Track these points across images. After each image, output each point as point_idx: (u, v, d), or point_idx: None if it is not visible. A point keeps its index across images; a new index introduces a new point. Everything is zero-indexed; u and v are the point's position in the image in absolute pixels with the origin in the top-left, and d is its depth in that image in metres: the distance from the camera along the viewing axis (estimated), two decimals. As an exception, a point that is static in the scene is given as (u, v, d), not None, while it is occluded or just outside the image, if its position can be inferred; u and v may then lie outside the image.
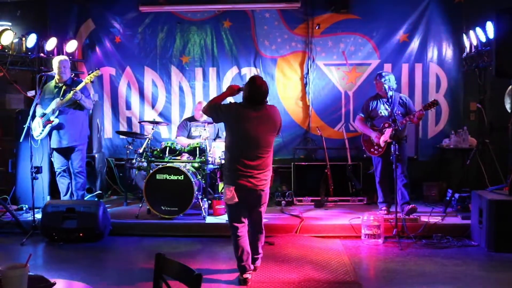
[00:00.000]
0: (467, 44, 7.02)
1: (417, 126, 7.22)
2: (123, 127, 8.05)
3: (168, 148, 6.48)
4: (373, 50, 7.64)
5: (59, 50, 7.48)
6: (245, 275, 4.32)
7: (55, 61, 6.33)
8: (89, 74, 6.26)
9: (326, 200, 7.02)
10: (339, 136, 7.62)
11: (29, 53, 7.07)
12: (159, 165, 6.31)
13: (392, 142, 5.72)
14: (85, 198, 6.67)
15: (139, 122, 7.81)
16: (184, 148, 6.53)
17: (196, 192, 6.10)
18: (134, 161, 6.49)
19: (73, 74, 6.59)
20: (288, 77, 7.82)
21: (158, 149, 6.53)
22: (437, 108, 6.49)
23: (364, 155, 6.67)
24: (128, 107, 8.06)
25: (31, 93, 7.20)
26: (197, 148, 6.40)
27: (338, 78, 7.75)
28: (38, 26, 7.61)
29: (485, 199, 5.30)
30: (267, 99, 4.35)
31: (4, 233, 5.99)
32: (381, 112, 6.25)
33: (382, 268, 4.81)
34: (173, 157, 6.43)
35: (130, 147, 6.70)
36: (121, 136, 7.81)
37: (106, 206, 6.16)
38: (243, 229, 4.38)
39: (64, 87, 6.22)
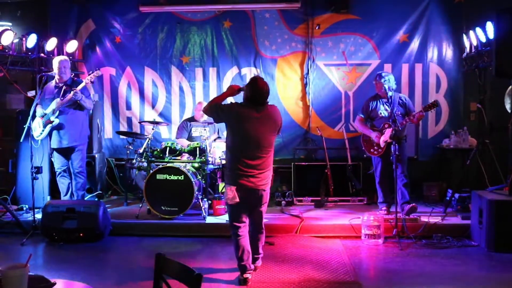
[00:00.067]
0: (467, 44, 7.02)
1: (417, 126, 7.22)
2: (123, 127, 8.05)
3: (168, 148, 6.48)
4: (373, 50, 7.64)
5: (59, 50, 7.48)
6: (245, 275, 4.32)
7: (55, 61, 6.33)
8: (89, 74, 6.27)
9: (326, 200, 7.02)
10: (339, 136, 7.62)
11: (30, 53, 7.08)
12: (159, 165, 6.31)
13: (392, 142, 5.73)
14: (85, 198, 6.68)
15: (139, 122, 7.81)
16: (184, 148, 6.53)
17: (196, 192, 6.10)
18: (134, 161, 6.50)
19: (73, 74, 6.60)
20: (288, 77, 7.83)
21: (158, 149, 6.53)
22: (437, 108, 6.49)
23: (364, 155, 6.67)
24: (128, 107, 8.07)
25: (31, 93, 7.20)
26: (197, 148, 6.40)
27: (338, 78, 7.75)
28: (39, 26, 7.61)
29: (485, 199, 5.30)
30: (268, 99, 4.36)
31: (4, 233, 6.00)
32: (381, 113, 6.25)
33: (382, 268, 4.82)
34: (173, 157, 6.43)
35: (130, 147, 6.70)
36: (121, 136, 7.81)
37: (106, 206, 6.16)
38: (244, 229, 4.39)
39: (64, 87, 6.22)
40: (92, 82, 6.51)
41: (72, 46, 7.63)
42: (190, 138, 7.15)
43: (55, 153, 6.44)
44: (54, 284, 2.21)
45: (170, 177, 6.06)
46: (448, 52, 7.56)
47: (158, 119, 7.79)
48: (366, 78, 7.65)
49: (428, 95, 7.59)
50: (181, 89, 8.00)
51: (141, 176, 7.24)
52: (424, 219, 5.90)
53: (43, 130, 6.21)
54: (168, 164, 6.18)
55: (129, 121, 8.08)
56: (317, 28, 7.65)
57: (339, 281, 4.36)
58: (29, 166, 5.90)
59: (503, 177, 5.97)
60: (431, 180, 7.31)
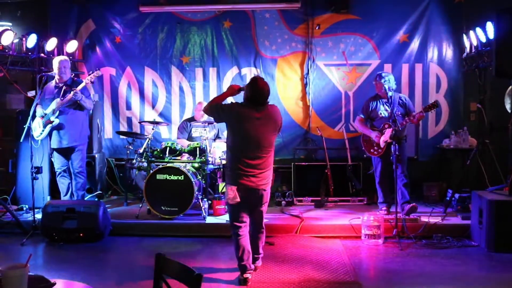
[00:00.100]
0: (467, 44, 7.02)
1: (417, 126, 7.22)
2: (123, 127, 8.05)
3: (168, 148, 6.48)
4: (373, 50, 7.64)
5: (60, 50, 7.48)
6: (246, 275, 4.33)
7: (55, 61, 6.33)
8: (89, 75, 6.27)
9: (326, 200, 7.02)
10: (339, 136, 7.62)
11: (30, 53, 7.08)
12: (159, 165, 6.31)
13: (392, 142, 5.73)
14: (85, 198, 6.68)
15: (139, 122, 7.81)
16: (184, 148, 6.53)
17: (196, 192, 6.10)
18: (134, 161, 6.49)
19: (73, 74, 6.60)
20: (288, 77, 7.83)
21: (158, 149, 6.53)
22: (437, 108, 6.49)
23: (364, 155, 6.67)
24: (128, 107, 8.07)
25: (31, 93, 7.20)
26: (197, 148, 6.40)
27: (338, 78, 7.75)
28: (39, 26, 7.61)
29: (485, 199, 5.30)
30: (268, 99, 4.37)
31: (4, 233, 6.00)
32: (381, 113, 6.24)
33: (382, 268, 4.81)
34: (173, 157, 6.43)
35: (130, 147, 6.70)
36: (121, 136, 7.81)
37: (106, 206, 6.16)
38: (245, 228, 4.39)
39: (64, 88, 6.22)
40: (92, 82, 6.51)
41: (72, 46, 7.63)
42: (190, 138, 7.15)
43: (55, 153, 6.44)
44: (54, 284, 2.21)
45: (170, 177, 6.06)
46: (448, 52, 7.56)
47: (158, 119, 7.79)
48: (366, 78, 7.65)
49: (428, 95, 7.59)
50: (181, 89, 8.00)
51: (141, 176, 7.24)
52: (424, 219, 5.89)
53: (43, 130, 6.21)
54: (168, 164, 6.18)
55: (129, 121, 8.08)
56: (317, 28, 7.66)
57: (339, 281, 4.36)
58: (29, 166, 5.90)
59: (503, 177, 5.97)
60: (431, 180, 7.31)
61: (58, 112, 6.18)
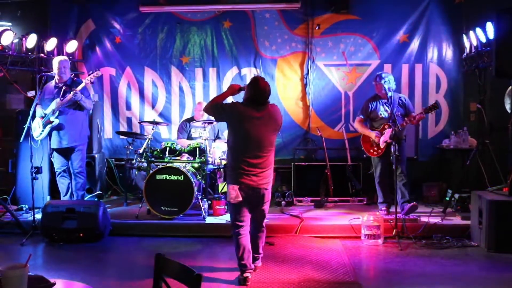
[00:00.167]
0: (467, 44, 7.02)
1: (417, 127, 7.22)
2: (123, 128, 8.05)
3: (168, 148, 6.48)
4: (373, 50, 7.64)
5: (59, 50, 7.48)
6: (245, 274, 4.33)
7: (55, 61, 6.33)
8: (89, 75, 6.27)
9: (326, 200, 7.02)
10: (339, 137, 7.62)
11: (29, 53, 7.08)
12: (159, 165, 6.31)
13: (392, 142, 5.73)
14: (85, 199, 6.68)
15: (139, 123, 7.81)
16: (184, 149, 6.53)
17: (196, 193, 6.10)
18: (134, 161, 6.49)
19: (73, 75, 6.60)
20: (288, 77, 7.83)
21: (158, 150, 6.53)
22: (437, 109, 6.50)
23: (364, 156, 6.67)
24: (128, 107, 8.07)
25: (31, 93, 7.20)
26: (197, 149, 6.40)
27: (338, 79, 7.75)
28: (39, 26, 7.61)
29: (485, 199, 5.30)
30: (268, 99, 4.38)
31: (4, 233, 6.00)
32: (381, 114, 6.24)
33: (382, 268, 4.81)
34: (173, 158, 6.43)
35: (130, 147, 6.70)
36: (121, 137, 7.81)
37: (106, 206, 6.16)
38: (246, 228, 4.40)
39: (64, 88, 6.22)
40: (92, 83, 6.51)
41: (72, 46, 7.63)
42: (189, 138, 7.15)
43: (55, 153, 6.44)
44: (54, 284, 2.21)
45: (170, 177, 6.06)
46: (448, 52, 7.56)
47: (158, 119, 7.78)
48: (366, 79, 7.65)
49: (428, 96, 7.60)
50: (181, 89, 8.00)
51: (141, 176, 7.24)
52: (424, 219, 5.90)
53: (42, 130, 6.21)
54: (168, 164, 6.18)
55: (129, 121, 8.09)
56: (317, 28, 7.66)
57: (338, 282, 4.36)
58: (29, 166, 5.90)
59: (503, 177, 5.97)
60: (431, 181, 7.31)
61: (58, 112, 6.18)
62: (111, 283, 4.43)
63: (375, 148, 6.26)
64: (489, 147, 6.24)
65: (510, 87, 6.07)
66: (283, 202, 7.01)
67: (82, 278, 4.30)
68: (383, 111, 6.23)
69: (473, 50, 6.83)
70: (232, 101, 4.77)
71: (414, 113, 6.24)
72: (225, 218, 6.15)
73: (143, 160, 6.41)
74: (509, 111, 6.05)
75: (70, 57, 7.23)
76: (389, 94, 6.02)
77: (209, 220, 6.15)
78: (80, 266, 4.89)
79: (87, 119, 6.65)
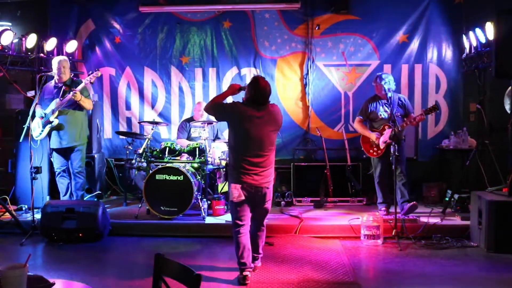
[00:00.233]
0: (466, 45, 7.02)
1: (416, 127, 7.22)
2: (123, 128, 8.05)
3: (167, 148, 6.48)
4: (372, 50, 7.65)
5: (59, 50, 7.48)
6: (245, 272, 4.34)
7: (55, 61, 6.33)
8: (89, 75, 6.27)
9: (325, 200, 7.02)
10: (339, 137, 7.62)
11: (29, 53, 7.07)
12: (158, 165, 6.31)
13: (392, 143, 5.73)
14: (85, 198, 6.67)
15: (139, 123, 7.81)
16: (184, 149, 6.53)
17: (196, 193, 6.10)
18: (133, 161, 6.49)
19: (73, 74, 6.59)
20: (287, 77, 7.83)
21: (157, 150, 6.53)
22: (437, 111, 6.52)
23: (364, 156, 6.67)
24: (128, 107, 8.07)
25: (31, 93, 7.20)
26: (197, 149, 6.40)
27: (337, 79, 7.76)
28: (38, 26, 7.61)
29: (485, 200, 5.30)
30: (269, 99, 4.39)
31: (3, 233, 5.99)
32: (380, 114, 6.24)
33: (381, 268, 4.81)
34: (172, 158, 6.43)
35: (129, 147, 6.70)
36: (120, 137, 7.81)
37: (106, 206, 6.15)
38: (246, 227, 4.42)
39: (63, 88, 6.22)
40: (91, 83, 6.52)
41: (71, 46, 7.63)
42: (189, 138, 7.15)
43: (54, 153, 6.43)
44: (53, 284, 2.21)
45: (169, 177, 6.06)
46: (448, 52, 7.57)
47: (158, 119, 7.78)
48: (366, 79, 7.65)
49: (427, 96, 7.60)
50: (180, 89, 8.00)
51: (141, 176, 7.24)
52: (424, 219, 5.90)
53: (42, 130, 6.20)
54: (168, 164, 6.18)
55: (128, 121, 8.08)
56: (317, 28, 7.66)
57: (338, 282, 4.36)
58: (28, 166, 5.90)
59: (503, 177, 5.97)
60: (431, 181, 7.31)
61: (57, 112, 6.18)
62: (111, 283, 4.42)
63: (374, 149, 6.26)
64: (488, 147, 6.24)
65: (509, 88, 6.08)
66: (282, 202, 7.01)
67: (81, 278, 4.30)
68: (382, 112, 6.23)
69: (472, 51, 6.83)
70: (233, 101, 4.78)
71: (413, 114, 6.25)
72: (225, 218, 6.15)
73: (142, 160, 6.41)
74: (508, 112, 6.06)
75: (70, 57, 7.23)
76: (389, 94, 6.02)
77: (209, 220, 6.15)
78: (80, 266, 4.88)
79: (86, 119, 6.65)
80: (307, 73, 7.74)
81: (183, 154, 6.51)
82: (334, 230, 5.89)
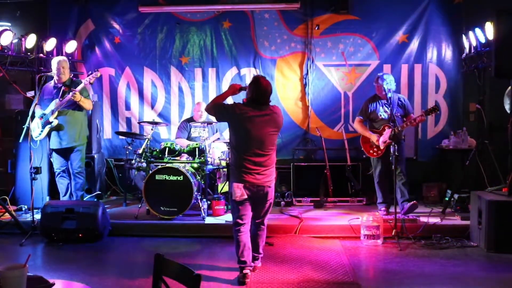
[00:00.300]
0: (466, 44, 7.02)
1: (416, 127, 7.21)
2: (123, 128, 8.05)
3: (167, 148, 6.48)
4: (372, 50, 7.65)
5: (59, 50, 7.48)
6: (245, 270, 4.36)
7: (54, 61, 6.32)
8: (88, 75, 6.27)
9: (325, 200, 7.02)
10: (339, 137, 7.62)
11: (29, 53, 7.07)
12: (158, 165, 6.31)
13: (391, 143, 5.73)
14: (85, 199, 6.67)
15: (139, 123, 7.81)
16: (184, 149, 6.53)
17: (196, 193, 6.10)
18: (133, 161, 6.49)
19: (72, 75, 6.59)
20: (287, 77, 7.83)
21: (157, 150, 6.53)
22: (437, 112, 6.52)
23: (364, 156, 6.66)
24: (128, 107, 8.07)
25: (30, 94, 7.19)
26: (197, 149, 6.39)
27: (337, 79, 7.76)
28: (38, 26, 7.61)
29: (485, 199, 5.30)
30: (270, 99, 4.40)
31: (3, 233, 5.99)
32: (380, 115, 6.24)
33: (381, 268, 4.81)
34: (172, 158, 6.42)
35: (129, 147, 6.70)
36: (120, 137, 7.81)
37: (106, 206, 6.15)
38: (247, 226, 4.43)
39: (63, 88, 6.22)
40: (91, 84, 6.51)
41: (71, 46, 7.63)
42: (189, 138, 7.15)
43: (54, 153, 6.43)
44: (53, 284, 2.20)
45: (169, 178, 6.06)
46: (448, 52, 7.57)
47: (157, 119, 7.78)
48: (366, 79, 7.65)
49: (427, 96, 7.60)
50: (180, 89, 8.00)
51: (140, 176, 7.23)
52: (423, 219, 5.90)
53: (42, 131, 6.20)
54: (167, 165, 6.18)
55: (128, 121, 8.08)
56: (316, 28, 7.66)
57: (338, 282, 4.36)
58: (28, 166, 5.90)
59: (502, 177, 5.97)
60: (431, 181, 7.31)
61: (57, 112, 6.17)
62: (111, 283, 4.42)
63: (375, 149, 6.26)
64: (488, 147, 6.24)
65: (509, 88, 6.08)
66: (282, 203, 7.01)
67: (81, 278, 4.32)
68: (382, 112, 6.23)
69: (472, 51, 6.83)
70: (234, 102, 4.79)
71: (413, 114, 6.25)
72: (225, 218, 6.15)
73: (142, 160, 6.40)
74: (508, 111, 6.06)
75: (70, 57, 7.23)
76: (389, 95, 6.02)
77: (209, 220, 6.15)
78: (80, 266, 4.88)
79: (86, 119, 6.65)
80: (307, 73, 7.74)
81: (182, 154, 6.51)
82: (334, 230, 5.89)
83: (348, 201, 7.13)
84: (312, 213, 6.59)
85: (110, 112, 8.08)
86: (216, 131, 7.27)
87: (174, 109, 8.02)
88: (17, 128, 6.66)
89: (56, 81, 6.32)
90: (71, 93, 6.04)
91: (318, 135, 7.34)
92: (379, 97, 6.28)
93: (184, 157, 6.52)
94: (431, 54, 7.59)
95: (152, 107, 8.02)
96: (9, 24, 7.35)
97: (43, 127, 6.20)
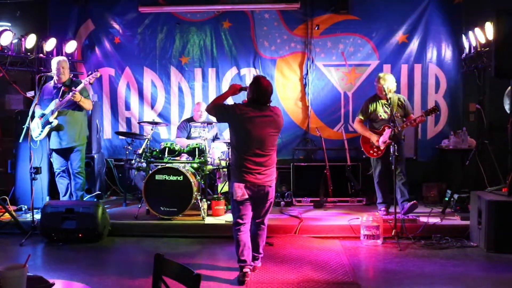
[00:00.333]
0: (466, 45, 7.02)
1: (416, 127, 7.22)
2: (122, 128, 8.05)
3: (167, 148, 6.48)
4: (372, 51, 7.65)
5: (59, 50, 7.48)
6: (245, 269, 4.36)
7: (54, 61, 6.32)
8: (88, 76, 6.26)
9: (325, 200, 7.02)
10: (338, 137, 7.62)
11: (29, 53, 7.07)
12: (158, 165, 6.31)
13: (391, 143, 5.73)
14: (84, 199, 6.67)
15: (138, 123, 7.81)
16: (183, 149, 6.53)
17: (195, 193, 6.10)
18: (133, 161, 6.50)
19: (72, 75, 6.58)
20: (287, 77, 7.83)
21: (157, 150, 6.53)
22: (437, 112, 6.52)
23: (364, 156, 6.67)
24: (128, 107, 8.07)
25: (30, 94, 7.20)
26: (196, 149, 6.39)
27: (337, 79, 7.76)
28: (38, 26, 7.61)
29: (484, 200, 5.30)
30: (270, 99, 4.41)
31: (3, 233, 5.99)
32: (380, 115, 6.24)
33: (381, 268, 4.82)
34: (172, 158, 6.42)
35: (129, 147, 6.71)
36: (120, 137, 7.81)
37: (105, 206, 6.16)
38: (247, 225, 4.44)
39: (63, 88, 6.22)
40: (91, 84, 6.51)
41: (71, 46, 7.63)
42: (189, 138, 7.15)
43: (54, 153, 6.43)
44: (53, 284, 2.21)
45: (169, 178, 6.06)
46: (448, 52, 7.57)
47: (157, 119, 7.77)
48: (366, 79, 7.65)
49: (427, 96, 7.60)
50: (180, 89, 8.00)
51: (140, 176, 7.23)
52: (423, 219, 5.90)
53: (42, 131, 6.20)
54: (167, 165, 6.18)
55: (128, 121, 8.08)
56: (316, 28, 7.66)
57: (338, 282, 4.36)
58: (28, 166, 5.90)
59: (502, 177, 5.97)
60: (431, 181, 7.31)
61: (56, 112, 6.17)
62: (110, 283, 4.42)
63: (375, 149, 6.25)
64: (488, 147, 6.24)
65: (509, 88, 6.08)
66: (282, 203, 7.01)
67: (81, 278, 4.32)
68: (382, 113, 6.23)
69: (472, 51, 6.83)
70: (234, 103, 4.79)
71: (413, 114, 6.25)
72: (224, 218, 6.15)
73: (142, 160, 6.41)
74: (508, 112, 6.06)
75: (70, 58, 7.23)
76: (389, 95, 6.02)
77: (208, 220, 6.15)
78: (79, 266, 4.88)
79: (86, 119, 6.64)
80: (307, 73, 7.75)
81: (182, 154, 6.51)
82: (333, 230, 5.89)
83: (348, 201, 7.13)
84: (312, 213, 6.59)
85: (110, 112, 8.08)
86: (216, 132, 7.27)
87: (174, 109, 8.02)
88: (17, 128, 6.67)
89: (56, 81, 6.32)
90: (71, 93, 6.04)
91: (318, 135, 7.34)
92: (379, 97, 6.28)
93: (184, 157, 6.52)
94: (431, 54, 7.59)
95: (152, 107, 8.02)
96: (9, 24, 7.35)
97: (43, 127, 6.20)
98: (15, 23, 7.56)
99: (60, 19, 7.96)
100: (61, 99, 6.14)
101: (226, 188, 6.84)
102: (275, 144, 4.44)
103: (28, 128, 5.96)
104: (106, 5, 7.93)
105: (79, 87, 6.11)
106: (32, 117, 6.09)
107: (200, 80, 7.95)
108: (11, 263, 2.12)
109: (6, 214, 6.16)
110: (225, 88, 7.64)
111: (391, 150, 5.65)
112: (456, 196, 6.37)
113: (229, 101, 5.81)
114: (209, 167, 6.50)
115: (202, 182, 6.45)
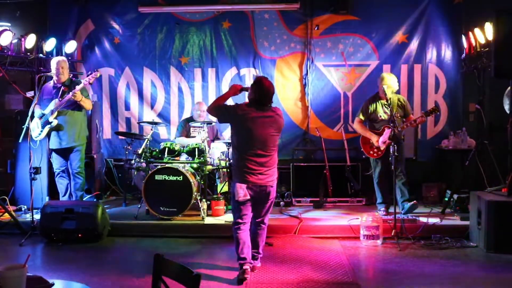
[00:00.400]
0: (466, 45, 7.02)
1: (416, 127, 7.21)
2: (122, 128, 8.05)
3: (167, 148, 6.48)
4: (372, 51, 7.65)
5: (58, 50, 7.48)
6: (245, 266, 4.37)
7: (54, 61, 6.32)
8: (88, 76, 6.26)
9: (325, 201, 7.02)
10: (338, 137, 7.62)
11: (28, 53, 7.07)
12: (158, 165, 6.31)
13: (391, 143, 5.73)
14: (84, 199, 6.66)
15: (138, 123, 7.81)
16: (183, 149, 6.52)
17: (195, 193, 6.10)
18: (133, 161, 6.49)
19: (72, 75, 6.58)
20: (287, 78, 7.83)
21: (157, 150, 6.53)
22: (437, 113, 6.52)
23: (363, 156, 6.67)
24: (127, 107, 8.06)
25: (30, 94, 7.19)
26: (196, 149, 6.39)
27: (337, 79, 7.76)
28: (38, 26, 7.61)
29: (484, 200, 5.30)
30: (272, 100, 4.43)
31: (3, 233, 5.99)
32: (380, 116, 6.24)
33: (381, 269, 4.82)
34: (172, 158, 6.42)
35: (129, 147, 6.70)
36: (120, 137, 7.81)
37: (105, 206, 6.16)
38: (247, 225, 4.46)
39: (62, 88, 6.21)
40: (90, 84, 6.51)
41: (71, 46, 7.63)
42: (188, 137, 7.14)
43: (53, 153, 6.43)
44: (53, 284, 2.21)
45: (169, 178, 6.06)
46: (447, 53, 7.57)
47: (157, 119, 7.77)
48: (365, 79, 7.66)
49: (427, 96, 7.60)
50: (180, 89, 8.00)
51: (140, 176, 7.22)
52: (423, 219, 5.90)
53: (41, 131, 6.20)
54: (167, 165, 6.18)
55: (128, 121, 8.08)
56: (316, 28, 7.66)
57: (337, 282, 4.36)
58: (27, 166, 5.90)
59: (502, 178, 5.97)
60: (430, 181, 7.31)
61: (56, 112, 6.17)
62: (110, 283, 4.42)
63: (375, 150, 6.26)
64: (488, 147, 6.24)
65: (509, 88, 6.07)
66: (282, 203, 7.01)
67: (81, 278, 4.32)
68: (382, 113, 6.23)
69: (472, 51, 6.83)
70: (236, 103, 4.80)
71: (413, 115, 6.25)
72: (224, 218, 6.15)
73: (142, 160, 6.40)
74: (507, 112, 6.06)
75: (69, 58, 7.23)
76: (389, 95, 6.02)
77: (208, 220, 6.15)
78: (79, 266, 4.88)
79: (85, 119, 6.64)
80: (307, 74, 7.75)
81: (182, 154, 6.51)
82: (333, 230, 5.88)
83: (347, 201, 7.12)
84: (311, 213, 6.59)
85: (110, 112, 8.08)
86: (216, 132, 7.28)
87: (173, 109, 8.02)
88: (16, 128, 6.66)
89: (55, 81, 6.31)
90: (71, 93, 6.04)
91: (317, 135, 7.33)
92: (380, 97, 6.28)
93: (184, 157, 6.51)
94: (431, 54, 7.59)
95: (152, 107, 8.02)
96: (9, 24, 7.33)
97: (43, 127, 6.20)
98: (15, 23, 7.54)
99: (60, 19, 7.96)
100: (60, 99, 6.14)
101: (226, 188, 6.84)
102: (276, 144, 4.47)
103: (27, 128, 5.97)
104: (106, 5, 7.93)
105: (78, 87, 6.11)
106: (32, 117, 6.09)
107: (199, 80, 7.95)
108: (10, 263, 2.12)
109: (6, 214, 6.16)
110: (225, 88, 7.64)
111: (391, 150, 5.65)
112: (455, 196, 6.37)
113: (229, 101, 5.79)
114: (209, 167, 6.50)
115: (202, 182, 6.45)
